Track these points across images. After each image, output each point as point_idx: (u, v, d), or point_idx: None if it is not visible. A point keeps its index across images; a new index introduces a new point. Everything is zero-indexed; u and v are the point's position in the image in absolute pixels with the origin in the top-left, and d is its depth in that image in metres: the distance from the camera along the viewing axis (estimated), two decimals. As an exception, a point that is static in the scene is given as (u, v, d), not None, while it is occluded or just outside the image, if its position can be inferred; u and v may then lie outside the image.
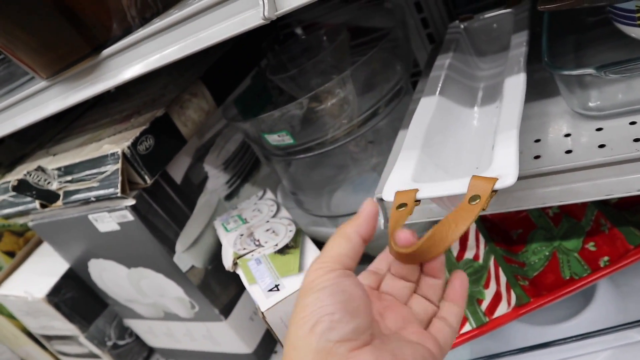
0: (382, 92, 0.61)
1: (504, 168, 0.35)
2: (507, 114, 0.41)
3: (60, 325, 0.77)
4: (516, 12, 0.57)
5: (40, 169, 0.59)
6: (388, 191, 0.39)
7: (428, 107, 0.48)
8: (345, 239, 0.34)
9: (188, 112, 0.62)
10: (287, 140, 0.59)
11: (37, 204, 0.62)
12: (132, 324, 0.80)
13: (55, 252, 0.73)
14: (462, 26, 0.61)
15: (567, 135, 0.45)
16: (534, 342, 0.54)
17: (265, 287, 0.48)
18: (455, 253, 0.60)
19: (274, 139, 0.60)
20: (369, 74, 0.60)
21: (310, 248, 0.52)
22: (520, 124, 0.39)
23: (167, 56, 0.41)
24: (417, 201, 0.37)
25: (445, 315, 0.37)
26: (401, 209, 0.37)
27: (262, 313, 0.46)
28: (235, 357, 0.73)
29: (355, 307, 0.31)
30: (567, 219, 0.58)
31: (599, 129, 0.43)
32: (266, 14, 0.34)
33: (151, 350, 0.86)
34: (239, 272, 0.52)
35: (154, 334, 0.79)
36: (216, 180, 0.68)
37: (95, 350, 0.79)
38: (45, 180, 0.59)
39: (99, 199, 0.56)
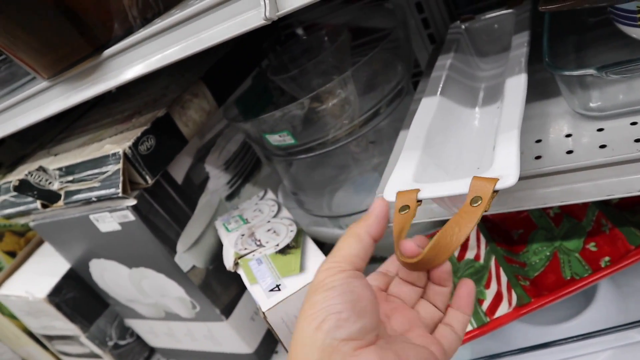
0: (383, 92, 0.61)
1: (505, 168, 0.35)
2: (508, 114, 0.41)
3: (62, 325, 0.77)
4: (517, 12, 0.57)
5: (41, 169, 0.59)
6: (389, 191, 0.39)
7: (429, 108, 0.48)
8: (356, 239, 0.35)
9: (189, 112, 0.62)
10: (288, 140, 0.59)
11: (38, 204, 0.62)
12: (133, 324, 0.80)
13: (57, 252, 0.73)
14: (463, 26, 0.61)
15: (568, 135, 0.45)
16: (535, 342, 0.54)
17: (267, 287, 0.48)
18: (456, 253, 0.60)
19: (275, 139, 0.60)
20: (370, 75, 0.60)
21: (311, 248, 0.52)
22: (521, 124, 0.39)
23: (169, 56, 0.41)
24: (419, 201, 0.37)
25: (451, 321, 0.37)
26: (404, 212, 0.37)
27: (263, 313, 0.46)
28: (236, 357, 0.73)
29: (362, 308, 0.31)
30: (568, 219, 0.58)
31: (600, 130, 0.43)
32: (267, 14, 0.34)
33: (152, 350, 0.86)
34: (240, 272, 0.52)
35: (155, 334, 0.79)
36: (217, 181, 0.68)
37: (97, 350, 0.79)
38: (46, 180, 0.59)
39: (100, 199, 0.56)
